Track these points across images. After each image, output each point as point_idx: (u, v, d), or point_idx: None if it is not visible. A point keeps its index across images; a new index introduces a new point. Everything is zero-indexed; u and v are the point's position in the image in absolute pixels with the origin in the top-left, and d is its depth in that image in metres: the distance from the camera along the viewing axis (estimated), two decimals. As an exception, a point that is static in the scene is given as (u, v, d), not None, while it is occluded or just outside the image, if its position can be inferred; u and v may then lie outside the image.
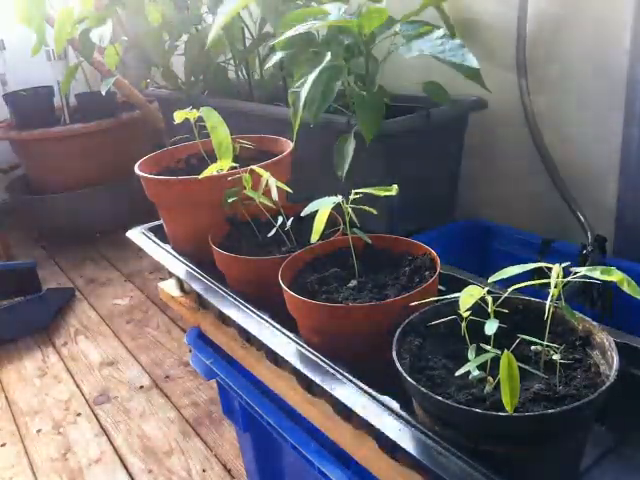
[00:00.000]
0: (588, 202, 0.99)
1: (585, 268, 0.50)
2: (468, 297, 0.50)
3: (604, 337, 0.54)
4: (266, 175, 0.78)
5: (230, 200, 0.83)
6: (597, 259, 0.88)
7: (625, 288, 0.48)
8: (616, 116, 0.92)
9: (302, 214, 0.69)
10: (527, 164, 1.07)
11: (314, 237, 0.65)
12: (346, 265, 0.73)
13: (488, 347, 0.52)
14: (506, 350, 0.47)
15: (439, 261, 0.69)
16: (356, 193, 0.67)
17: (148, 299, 2.12)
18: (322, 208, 0.65)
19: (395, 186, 0.67)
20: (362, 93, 0.89)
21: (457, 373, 0.53)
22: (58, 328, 2.00)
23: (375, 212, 0.68)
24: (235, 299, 0.77)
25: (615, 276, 0.48)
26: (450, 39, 0.83)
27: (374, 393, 0.57)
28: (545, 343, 0.53)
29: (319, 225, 0.65)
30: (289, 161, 0.94)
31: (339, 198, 0.66)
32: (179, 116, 0.87)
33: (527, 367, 0.52)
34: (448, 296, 0.58)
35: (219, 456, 1.38)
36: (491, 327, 0.50)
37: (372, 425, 0.53)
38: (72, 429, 1.53)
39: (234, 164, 0.85)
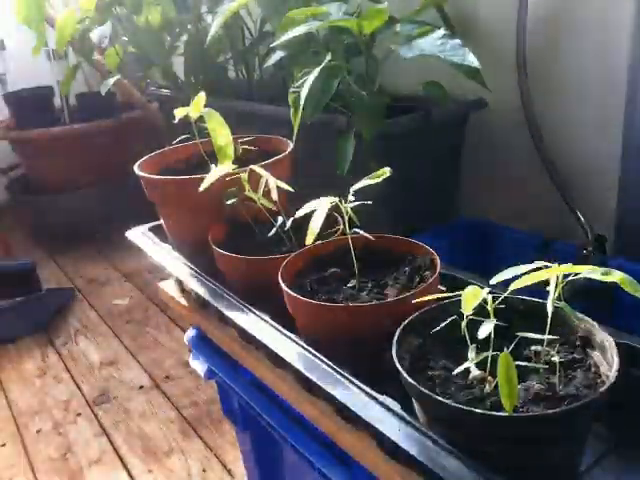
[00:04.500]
0: (588, 202, 0.99)
1: (586, 268, 0.50)
2: (471, 297, 0.50)
3: (604, 337, 0.54)
4: (266, 175, 0.78)
5: (229, 201, 0.83)
6: (597, 259, 0.88)
7: (627, 288, 0.48)
8: (616, 116, 0.92)
9: (296, 215, 0.69)
10: (527, 164, 1.07)
11: (309, 239, 0.65)
12: (346, 265, 0.73)
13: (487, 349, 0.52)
14: (505, 350, 0.47)
15: (439, 261, 0.69)
16: (354, 191, 0.67)
17: (148, 299, 2.12)
18: (318, 210, 0.65)
19: (387, 169, 0.67)
20: (362, 93, 0.89)
21: (455, 372, 0.53)
22: (58, 328, 2.00)
23: (370, 202, 0.67)
24: (235, 299, 0.77)
25: (616, 277, 0.48)
26: (450, 39, 0.83)
27: (374, 393, 0.56)
28: (546, 338, 0.53)
29: (314, 227, 0.64)
30: (289, 161, 0.94)
31: (336, 199, 0.66)
32: (179, 112, 0.87)
33: (527, 367, 0.52)
34: (448, 295, 0.58)
35: (219, 456, 1.38)
36: (485, 330, 0.50)
37: (372, 425, 0.53)
38: (72, 429, 1.53)
39: (234, 165, 0.85)
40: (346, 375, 0.59)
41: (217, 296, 0.79)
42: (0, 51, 2.74)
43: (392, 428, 0.52)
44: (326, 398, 0.64)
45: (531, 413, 0.48)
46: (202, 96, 0.86)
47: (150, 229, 1.03)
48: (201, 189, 0.79)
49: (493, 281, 0.53)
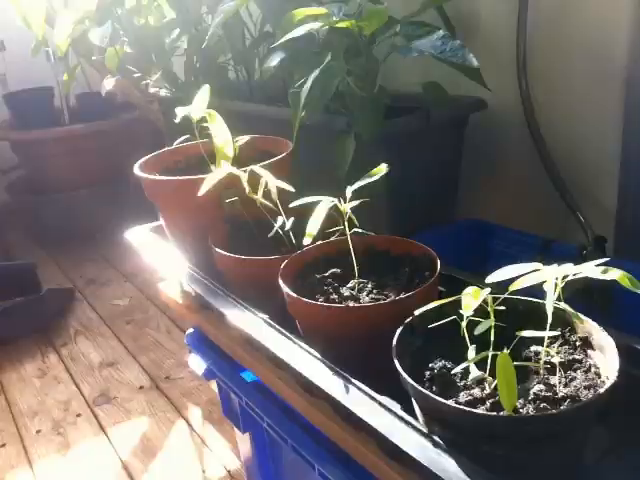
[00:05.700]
0: (588, 202, 0.99)
1: (585, 268, 0.50)
2: (471, 298, 0.50)
3: (604, 337, 0.54)
4: (266, 175, 0.78)
5: (228, 201, 0.83)
6: (597, 259, 0.88)
7: (626, 284, 0.48)
8: (616, 116, 0.92)
9: (291, 205, 0.69)
10: (527, 164, 1.07)
11: (306, 240, 0.65)
12: (346, 265, 0.73)
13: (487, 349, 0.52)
14: (503, 350, 0.47)
15: (439, 261, 0.69)
16: (354, 192, 0.67)
17: (148, 299, 2.12)
18: (318, 211, 0.65)
19: (384, 165, 0.67)
20: (362, 93, 0.89)
21: (454, 371, 0.53)
22: (58, 328, 2.00)
23: (369, 199, 0.67)
24: (235, 299, 0.77)
25: (615, 274, 0.48)
26: (450, 39, 0.83)
27: (374, 394, 0.56)
28: (546, 336, 0.53)
29: (313, 228, 0.64)
30: (289, 161, 0.94)
31: (335, 199, 0.66)
32: (180, 111, 0.87)
33: (527, 367, 0.52)
34: (448, 296, 0.58)
35: (219, 456, 1.38)
36: (482, 327, 0.50)
37: (372, 426, 0.53)
38: (72, 430, 1.53)
39: (233, 167, 0.85)
40: (346, 375, 0.59)
41: (217, 296, 0.79)
42: (0, 51, 2.73)
43: (392, 429, 0.52)
44: (326, 399, 0.63)
45: (531, 414, 0.48)
46: (206, 88, 0.85)
47: (150, 229, 1.03)
48: (201, 193, 0.79)
49: (489, 279, 0.53)
